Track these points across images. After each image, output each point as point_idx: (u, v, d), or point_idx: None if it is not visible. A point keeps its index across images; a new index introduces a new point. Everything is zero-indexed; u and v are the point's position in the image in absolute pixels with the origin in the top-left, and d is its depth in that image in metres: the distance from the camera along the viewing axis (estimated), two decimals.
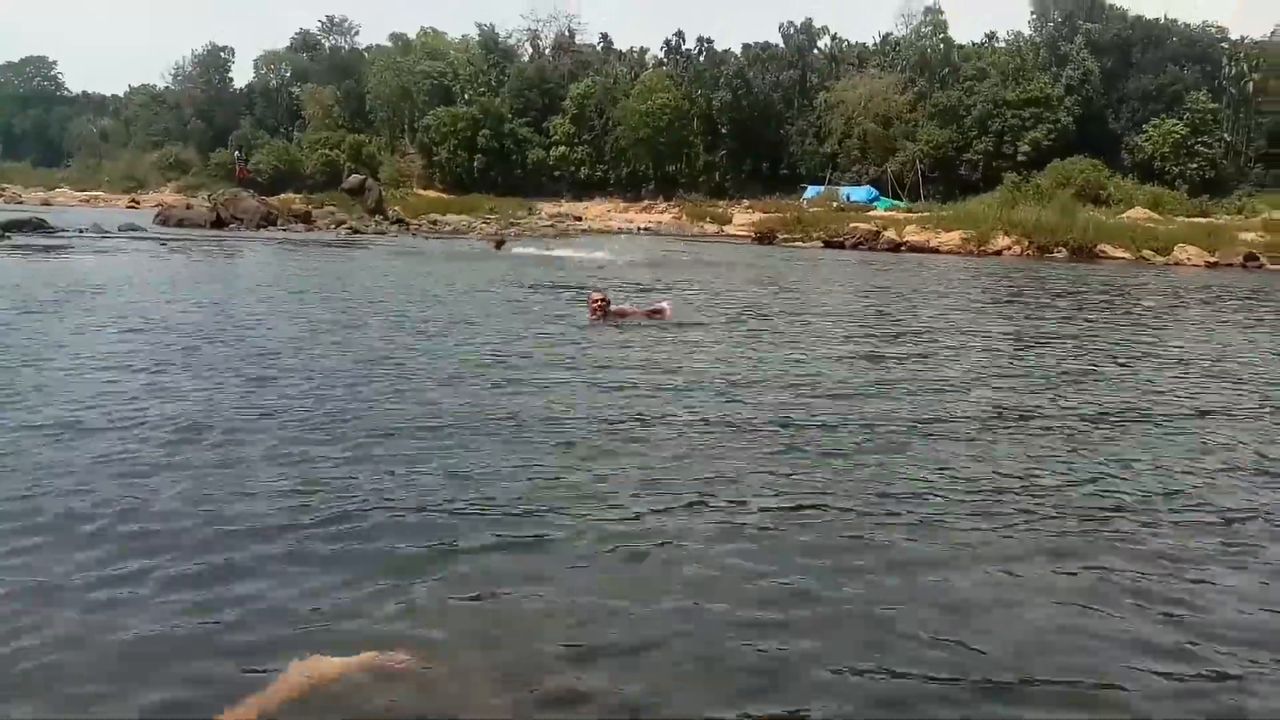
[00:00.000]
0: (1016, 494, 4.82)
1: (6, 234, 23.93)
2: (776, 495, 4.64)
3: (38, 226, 26.33)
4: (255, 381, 6.95)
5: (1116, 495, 4.86)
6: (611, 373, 7.67)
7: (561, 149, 70.41)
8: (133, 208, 56.21)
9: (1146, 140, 53.47)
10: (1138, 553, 4.08)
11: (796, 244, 36.49)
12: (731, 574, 3.69)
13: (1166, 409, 7.24)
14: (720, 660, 3.02)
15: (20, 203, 57.48)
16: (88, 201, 65.95)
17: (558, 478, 4.84)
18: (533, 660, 3.00)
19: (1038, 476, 5.16)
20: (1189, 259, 30.06)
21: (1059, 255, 31.42)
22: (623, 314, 11.10)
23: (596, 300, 10.96)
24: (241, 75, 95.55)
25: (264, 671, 2.81)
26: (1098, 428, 6.47)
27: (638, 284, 16.69)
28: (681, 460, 5.21)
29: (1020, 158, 54.31)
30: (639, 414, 6.26)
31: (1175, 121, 52.85)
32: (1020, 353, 10.13)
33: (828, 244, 35.56)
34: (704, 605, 3.40)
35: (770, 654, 3.07)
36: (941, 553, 3.98)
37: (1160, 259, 30.40)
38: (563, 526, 4.13)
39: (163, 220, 32.94)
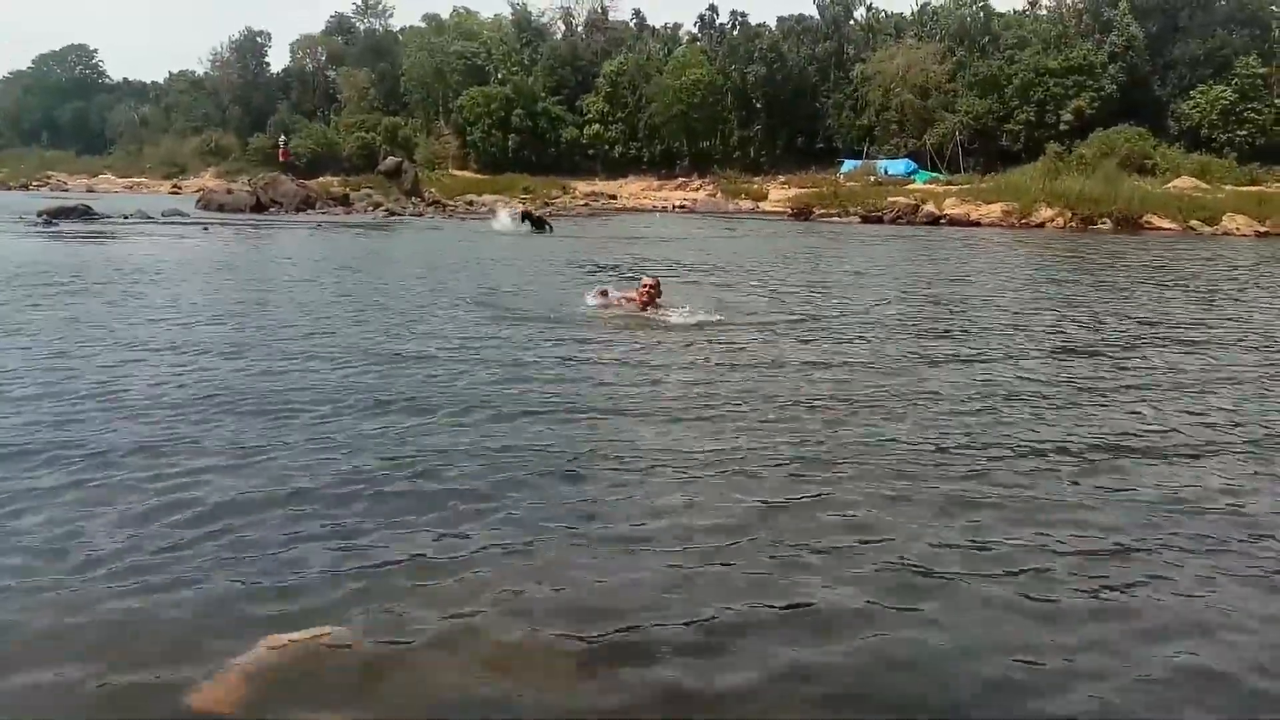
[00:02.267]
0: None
1: (54, 220, 24.44)
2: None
3: (83, 213, 26.80)
4: (295, 360, 7.05)
5: None
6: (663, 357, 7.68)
7: (595, 127, 70.12)
8: (175, 193, 57.20)
9: (1194, 107, 52.08)
10: None
11: (833, 219, 36.14)
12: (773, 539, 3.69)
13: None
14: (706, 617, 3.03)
15: (66, 190, 58.70)
16: (131, 188, 67.13)
17: (614, 454, 4.86)
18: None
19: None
20: (1238, 229, 29.35)
21: (1104, 227, 30.83)
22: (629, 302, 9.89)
23: (648, 286, 9.76)
24: (278, 60, 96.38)
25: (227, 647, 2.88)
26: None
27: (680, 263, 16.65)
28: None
29: (1063, 127, 53.18)
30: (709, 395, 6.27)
31: (1223, 87, 51.37)
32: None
33: (865, 218, 35.18)
34: (687, 568, 3.40)
35: None
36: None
37: (1208, 229, 29.70)
38: (626, 507, 4.15)
39: (204, 205, 33.41)
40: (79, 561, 3.46)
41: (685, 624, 3.06)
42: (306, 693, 2.71)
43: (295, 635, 2.91)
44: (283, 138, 49.81)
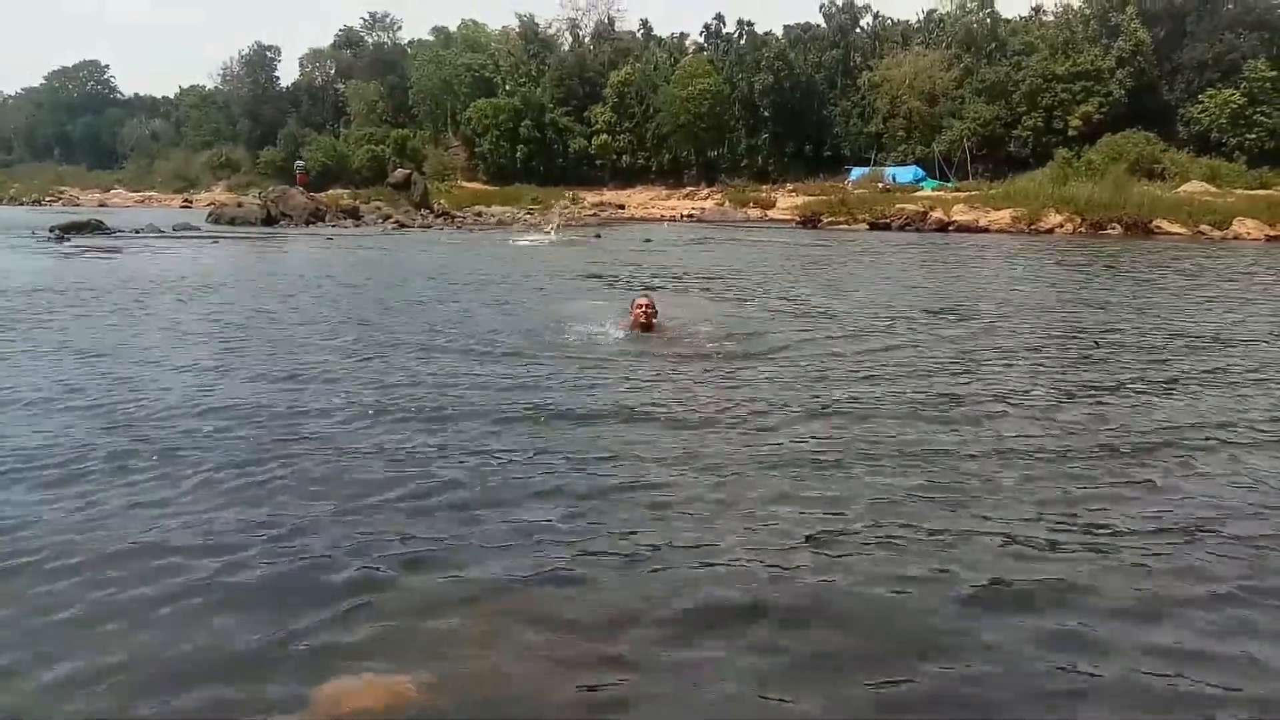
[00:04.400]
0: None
1: (66, 235, 24.64)
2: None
3: (96, 228, 27.06)
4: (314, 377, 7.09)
5: None
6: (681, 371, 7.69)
7: (603, 137, 70.35)
8: (186, 207, 57.60)
9: (1202, 111, 51.87)
10: None
11: (841, 227, 36.17)
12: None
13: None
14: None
15: (78, 205, 59.24)
16: (142, 202, 67.76)
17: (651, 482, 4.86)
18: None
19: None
20: (1248, 232, 29.24)
21: (1113, 232, 30.78)
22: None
23: (643, 307, 8.78)
24: (287, 74, 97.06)
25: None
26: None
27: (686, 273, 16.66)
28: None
29: (1071, 133, 53.06)
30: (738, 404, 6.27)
31: (1232, 91, 51.14)
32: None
33: (873, 226, 35.23)
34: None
35: None
36: None
37: (1218, 233, 29.60)
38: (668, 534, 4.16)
39: (215, 219, 33.63)
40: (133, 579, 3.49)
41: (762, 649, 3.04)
42: None
43: (361, 680, 2.80)
44: (299, 164, 50.43)
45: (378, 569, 3.55)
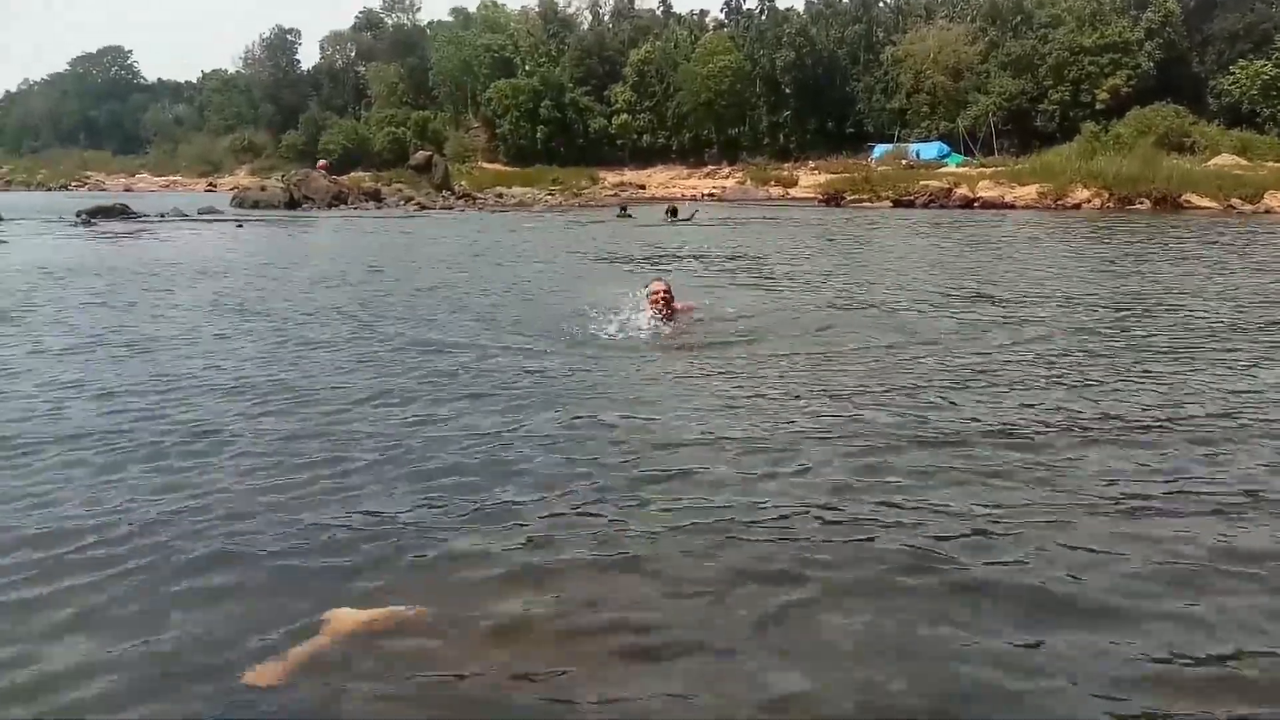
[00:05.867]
0: None
1: (93, 220, 24.90)
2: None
3: (121, 212, 27.29)
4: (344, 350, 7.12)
5: None
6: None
7: (623, 117, 70.06)
8: (210, 191, 58.05)
9: (1233, 83, 50.89)
10: None
11: (865, 204, 35.86)
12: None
13: None
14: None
15: (104, 189, 59.80)
16: (167, 186, 68.35)
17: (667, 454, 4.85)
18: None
19: None
20: None
21: (1141, 207, 30.29)
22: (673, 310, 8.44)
23: (659, 293, 8.31)
24: (308, 57, 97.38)
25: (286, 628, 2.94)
26: None
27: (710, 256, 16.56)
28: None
29: (1098, 106, 52.25)
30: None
31: (1264, 62, 50.11)
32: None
33: (897, 203, 34.89)
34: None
35: None
36: None
37: (1249, 207, 29.07)
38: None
39: (239, 202, 33.86)
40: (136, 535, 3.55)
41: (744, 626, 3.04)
42: (365, 671, 2.75)
43: (361, 613, 3.00)
44: (320, 160, 50.72)
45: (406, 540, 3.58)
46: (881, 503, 4.01)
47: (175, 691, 2.66)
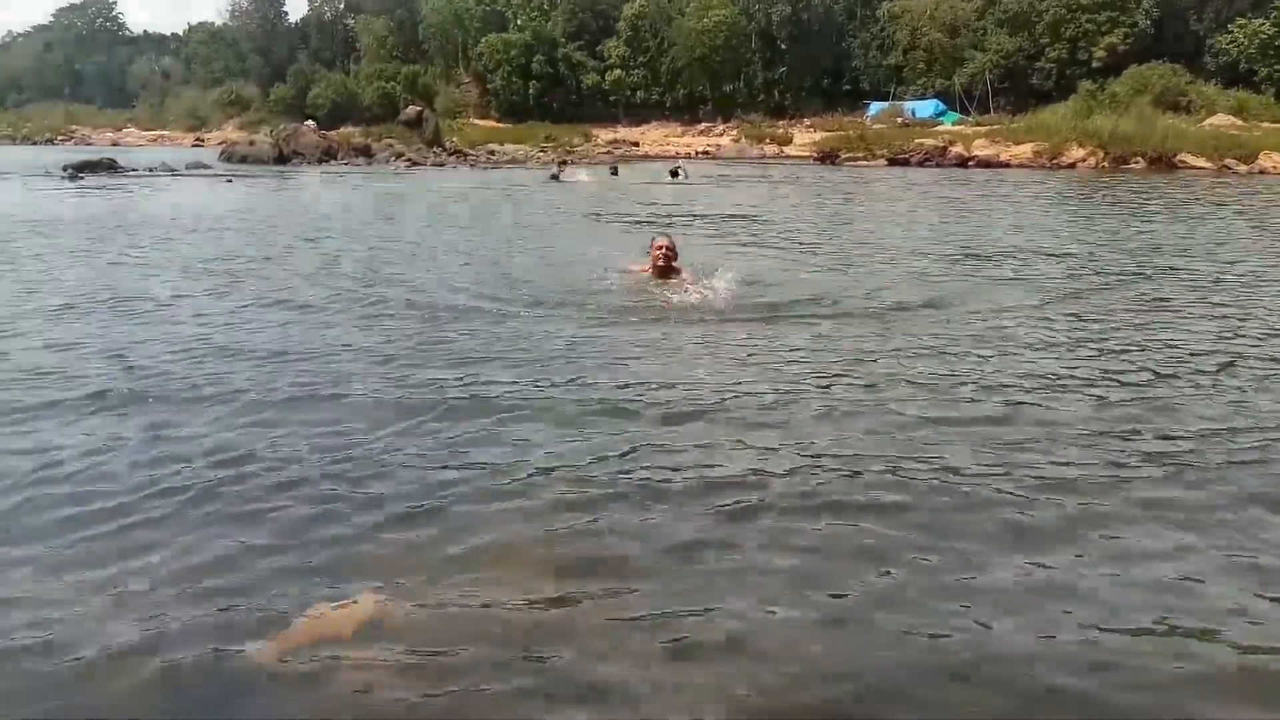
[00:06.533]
0: None
1: (80, 174, 24.61)
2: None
3: (109, 167, 26.97)
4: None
5: None
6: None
7: (616, 72, 69.12)
8: (198, 145, 57.30)
9: (1231, 42, 50.41)
10: None
11: (860, 163, 35.68)
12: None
13: None
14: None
15: (90, 144, 58.86)
16: (155, 140, 67.39)
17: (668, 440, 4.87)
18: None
19: None
20: (1275, 166, 28.63)
21: (1136, 166, 30.21)
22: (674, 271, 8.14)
23: (663, 248, 8.03)
24: (296, 9, 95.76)
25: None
26: None
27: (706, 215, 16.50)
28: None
29: (1095, 64, 51.72)
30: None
31: (1262, 21, 49.58)
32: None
33: (892, 161, 34.72)
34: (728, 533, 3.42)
35: None
36: None
37: (1244, 167, 29.01)
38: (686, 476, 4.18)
39: (228, 157, 33.52)
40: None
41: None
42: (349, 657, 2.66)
43: (343, 603, 2.88)
44: (309, 123, 49.89)
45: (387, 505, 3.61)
46: (904, 457, 4.06)
47: (158, 685, 2.55)
